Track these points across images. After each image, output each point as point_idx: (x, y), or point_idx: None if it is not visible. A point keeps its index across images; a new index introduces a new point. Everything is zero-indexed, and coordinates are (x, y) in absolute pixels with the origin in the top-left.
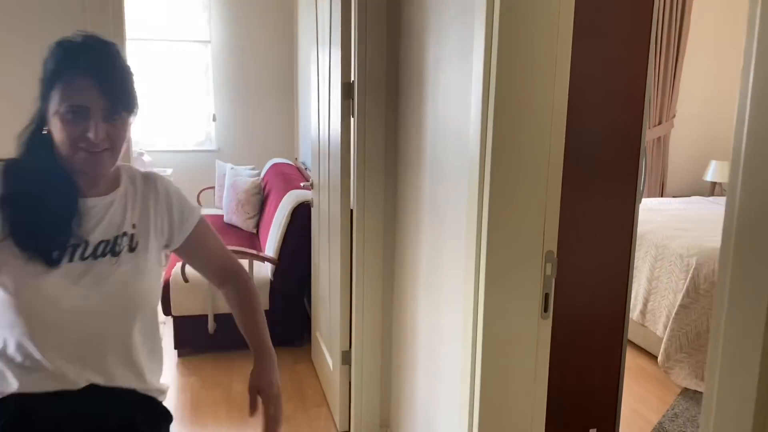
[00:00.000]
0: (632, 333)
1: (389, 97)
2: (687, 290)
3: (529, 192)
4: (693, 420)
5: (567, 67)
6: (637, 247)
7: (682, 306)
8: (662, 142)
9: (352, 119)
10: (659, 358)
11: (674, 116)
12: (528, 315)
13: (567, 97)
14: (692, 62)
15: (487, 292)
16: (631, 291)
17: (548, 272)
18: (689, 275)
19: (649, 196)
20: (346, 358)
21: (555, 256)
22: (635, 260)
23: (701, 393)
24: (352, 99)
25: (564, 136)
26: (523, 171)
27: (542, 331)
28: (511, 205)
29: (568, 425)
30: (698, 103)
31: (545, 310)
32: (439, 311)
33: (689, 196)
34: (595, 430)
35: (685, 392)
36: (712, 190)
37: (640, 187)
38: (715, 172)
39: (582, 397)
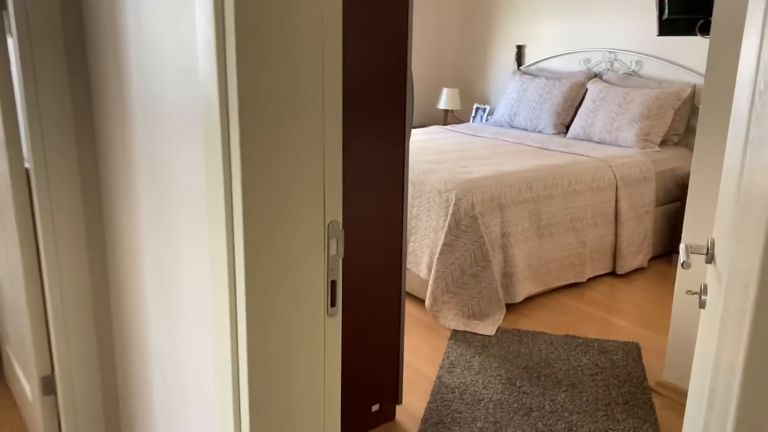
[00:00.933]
0: None
1: (66, 4)
2: (449, 227)
3: (299, 144)
4: (469, 366)
5: None
6: None
7: (446, 245)
8: None
9: (9, 38)
10: (426, 303)
11: None
12: (309, 315)
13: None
14: None
15: (249, 291)
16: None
17: (333, 251)
18: (450, 211)
19: None
20: (48, 386)
21: (341, 227)
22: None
23: (471, 333)
24: (5, 9)
25: (341, 63)
26: (288, 113)
27: (330, 332)
28: (274, 162)
29: (351, 409)
30: (430, 30)
31: (332, 303)
32: (177, 314)
33: (428, 125)
34: (377, 406)
35: (455, 335)
36: (445, 118)
37: (409, 125)
38: (446, 99)
39: (364, 372)
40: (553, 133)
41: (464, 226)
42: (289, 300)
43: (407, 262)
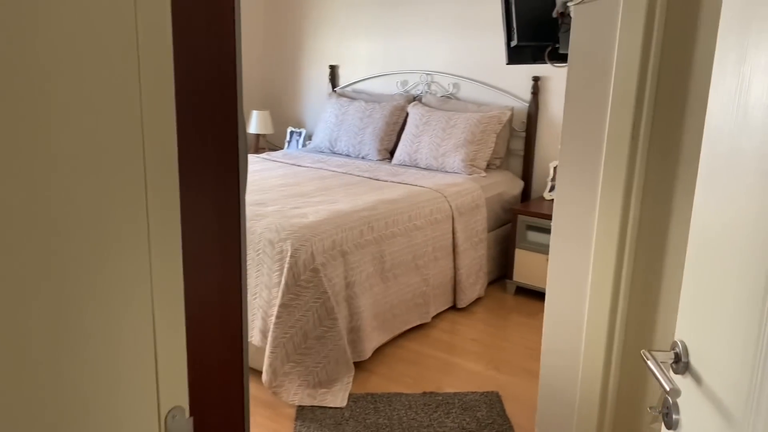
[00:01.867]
0: None
1: None
2: (286, 284)
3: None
4: None
5: None
6: None
7: (283, 305)
8: None
9: None
10: (264, 378)
11: None
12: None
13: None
14: None
15: None
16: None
17: None
18: (286, 265)
19: None
20: None
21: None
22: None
23: (320, 408)
24: None
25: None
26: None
27: None
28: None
29: None
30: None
31: None
32: None
33: None
34: None
35: (302, 413)
36: (257, 143)
37: (243, 168)
38: (257, 123)
39: None
40: (377, 159)
41: (304, 282)
42: None
43: None
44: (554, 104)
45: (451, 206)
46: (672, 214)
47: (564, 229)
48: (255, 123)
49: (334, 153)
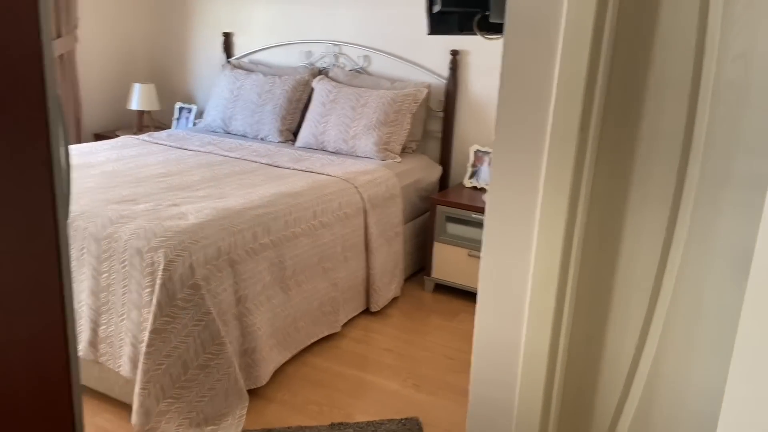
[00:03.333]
0: (85, 376)
1: None
2: (158, 305)
3: None
4: None
5: None
6: (70, 241)
7: (156, 332)
8: (67, 62)
9: None
10: (134, 419)
11: (76, 27)
12: None
13: None
14: None
15: None
16: (72, 316)
17: None
18: (158, 281)
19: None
20: None
21: None
22: (70, 263)
23: None
24: None
25: None
26: None
27: None
28: None
29: None
30: (107, 9)
31: None
32: None
33: (115, 132)
34: None
35: None
36: (140, 122)
37: (61, 158)
38: (139, 98)
39: None
40: (279, 141)
41: (182, 302)
42: None
43: (99, 355)
44: (475, 81)
45: (363, 198)
46: (625, 220)
47: (497, 237)
48: (137, 98)
49: (229, 134)
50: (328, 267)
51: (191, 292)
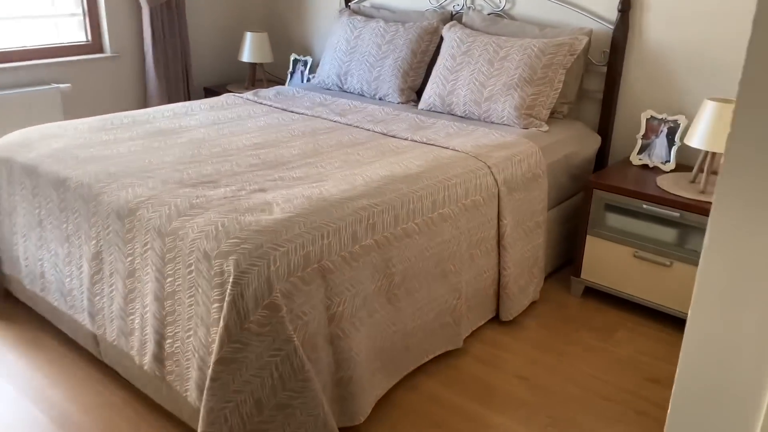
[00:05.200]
0: (152, 390)
1: None
2: (227, 329)
3: None
4: None
5: None
6: (131, 236)
7: (223, 362)
8: (175, 8)
9: None
10: None
11: None
12: None
13: None
14: None
15: None
16: None
17: None
18: (226, 297)
19: (173, 101)
20: None
21: None
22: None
23: None
24: None
25: None
26: None
27: None
28: None
29: None
30: None
31: None
32: None
33: (225, 86)
34: None
35: None
36: (253, 76)
37: None
38: (251, 49)
39: None
40: (399, 102)
41: (255, 325)
42: None
43: (166, 372)
44: (654, 26)
45: (496, 180)
46: None
47: (728, 246)
48: (249, 49)
49: (344, 91)
50: (449, 270)
51: (267, 313)
